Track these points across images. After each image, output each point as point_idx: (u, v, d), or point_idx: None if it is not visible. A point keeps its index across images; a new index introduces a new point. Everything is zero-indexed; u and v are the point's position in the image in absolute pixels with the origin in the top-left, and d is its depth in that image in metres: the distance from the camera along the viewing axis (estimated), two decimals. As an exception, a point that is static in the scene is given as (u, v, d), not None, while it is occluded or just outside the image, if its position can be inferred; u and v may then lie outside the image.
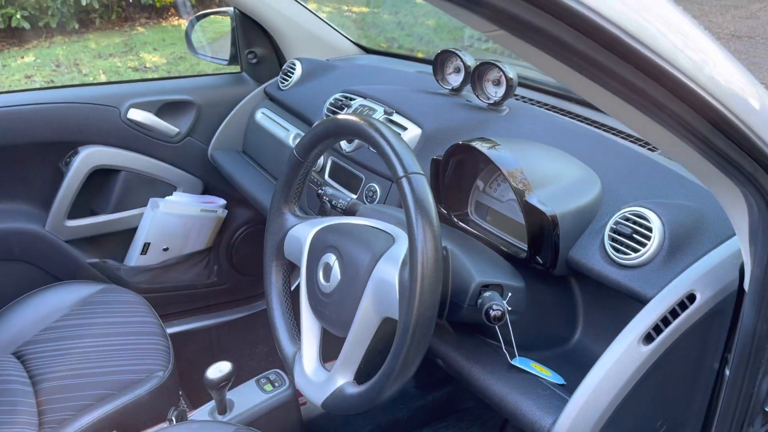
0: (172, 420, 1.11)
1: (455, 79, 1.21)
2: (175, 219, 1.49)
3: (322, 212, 0.98)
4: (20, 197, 1.42)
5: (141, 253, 1.50)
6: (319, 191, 0.97)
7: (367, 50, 1.62)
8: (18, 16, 5.00)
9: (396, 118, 1.10)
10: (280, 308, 0.91)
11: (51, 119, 1.37)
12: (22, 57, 4.99)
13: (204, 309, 1.67)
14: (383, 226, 0.81)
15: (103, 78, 4.59)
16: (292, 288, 0.96)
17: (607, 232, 0.79)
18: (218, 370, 1.06)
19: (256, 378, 1.20)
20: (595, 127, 1.07)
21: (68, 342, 1.24)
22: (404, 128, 1.08)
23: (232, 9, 1.51)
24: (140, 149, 1.46)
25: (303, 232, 0.87)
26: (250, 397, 1.15)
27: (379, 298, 0.73)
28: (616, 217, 0.79)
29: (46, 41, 5.29)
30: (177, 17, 5.83)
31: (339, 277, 0.78)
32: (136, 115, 1.43)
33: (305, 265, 0.84)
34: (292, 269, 0.98)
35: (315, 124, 0.85)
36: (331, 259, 0.79)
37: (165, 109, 1.47)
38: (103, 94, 1.42)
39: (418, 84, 1.28)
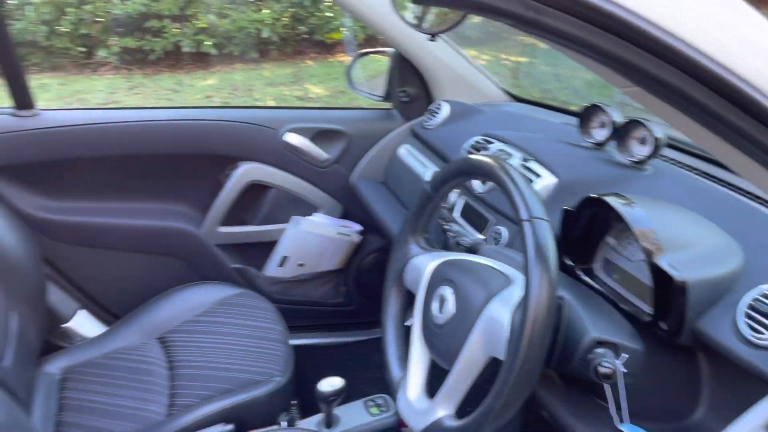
0: (282, 424, 1.18)
1: (600, 134, 1.20)
2: (313, 238, 1.59)
3: (446, 247, 1.00)
4: (184, 201, 1.60)
5: (278, 265, 1.62)
6: (446, 227, 1.00)
7: (516, 98, 1.64)
8: (207, 43, 5.60)
9: (532, 165, 1.11)
10: (393, 333, 0.95)
11: (219, 135, 1.53)
12: (206, 79, 5.56)
13: (326, 326, 1.75)
14: (502, 268, 0.82)
15: (270, 103, 4.99)
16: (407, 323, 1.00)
17: (743, 307, 0.74)
18: (330, 384, 1.11)
19: (364, 399, 1.24)
20: (744, 195, 1.01)
21: (204, 336, 1.36)
22: (539, 176, 1.08)
23: (392, 49, 1.61)
24: (291, 170, 1.58)
25: (424, 263, 0.90)
26: (356, 416, 1.19)
27: (488, 336, 0.74)
28: (756, 293, 0.74)
29: (229, 67, 5.85)
30: (344, 54, 6.20)
31: (453, 310, 0.80)
32: (293, 138, 1.56)
33: (422, 294, 0.87)
34: (410, 299, 1.01)
35: (448, 164, 0.89)
36: (448, 291, 0.81)
37: (319, 136, 1.59)
38: (265, 117, 1.57)
39: (561, 135, 1.28)
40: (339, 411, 1.20)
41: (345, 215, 1.67)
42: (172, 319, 1.42)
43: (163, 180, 1.57)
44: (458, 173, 0.86)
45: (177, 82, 5.52)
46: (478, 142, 1.25)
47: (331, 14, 5.97)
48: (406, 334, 0.95)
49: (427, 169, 1.40)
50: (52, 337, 1.49)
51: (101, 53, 5.56)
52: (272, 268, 1.63)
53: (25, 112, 1.43)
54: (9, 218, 1.26)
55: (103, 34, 5.61)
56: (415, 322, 0.88)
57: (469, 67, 1.58)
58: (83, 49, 5.63)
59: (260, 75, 5.73)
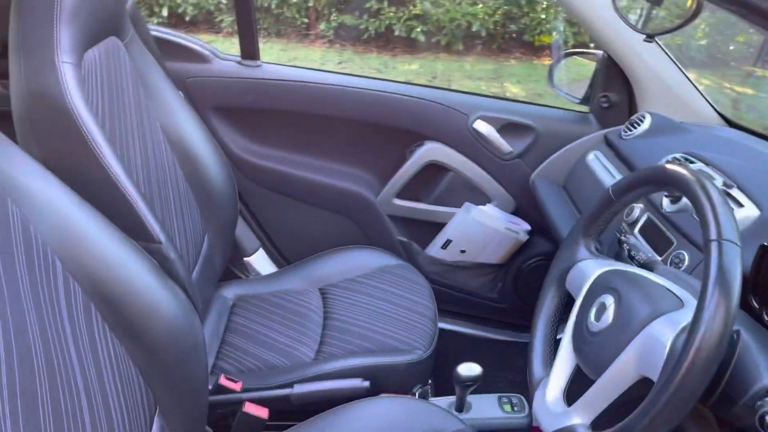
0: (415, 395, 1.20)
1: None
2: (480, 227, 1.59)
3: (618, 258, 0.95)
4: (368, 167, 1.68)
5: (441, 247, 1.64)
6: (622, 238, 0.95)
7: (731, 123, 1.49)
8: (418, 30, 5.76)
9: (735, 192, 1.01)
10: (543, 332, 0.93)
11: (412, 111, 1.58)
12: (410, 64, 5.73)
13: (475, 318, 1.74)
14: (676, 290, 0.76)
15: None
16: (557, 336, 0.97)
17: None
18: (469, 369, 1.11)
19: (499, 395, 1.23)
20: None
21: (360, 296, 1.43)
22: (741, 205, 0.98)
23: (600, 52, 1.54)
24: (473, 157, 1.59)
25: (591, 268, 0.86)
26: (488, 408, 1.18)
27: (644, 355, 0.70)
28: None
29: (433, 55, 5.98)
30: (549, 58, 6.04)
31: (610, 320, 0.76)
32: (481, 126, 1.56)
33: (581, 298, 0.84)
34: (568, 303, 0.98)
35: (637, 170, 0.84)
36: (609, 300, 0.78)
37: (506, 128, 1.58)
38: (458, 101, 1.59)
39: None
40: (472, 399, 1.20)
41: (516, 212, 1.65)
42: (335, 274, 1.51)
43: (354, 144, 1.66)
44: (647, 181, 0.81)
45: (382, 63, 5.76)
46: (676, 159, 1.16)
47: (544, 16, 5.84)
48: (554, 334, 0.93)
49: (614, 179, 1.33)
50: (233, 266, 1.65)
51: (321, 26, 5.97)
52: (435, 249, 1.66)
53: (250, 62, 1.60)
54: (219, 153, 1.42)
55: (326, 8, 6.01)
56: (568, 326, 0.85)
57: (683, 81, 1.47)
58: (306, 21, 6.07)
59: (461, 67, 5.79)
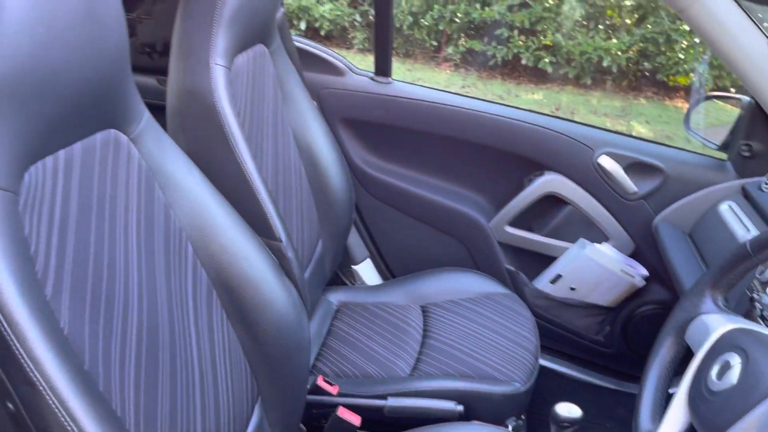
0: (509, 427, 1.18)
1: None
2: (594, 266, 1.54)
3: (747, 316, 0.89)
4: (482, 191, 1.68)
5: (550, 281, 1.60)
6: (754, 296, 0.89)
7: None
8: (546, 60, 5.68)
9: None
10: (654, 383, 0.88)
11: (534, 139, 1.57)
12: (534, 94, 5.66)
13: (577, 359, 1.68)
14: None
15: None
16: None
17: None
18: (569, 410, 1.07)
19: (597, 441, 1.17)
20: None
21: (462, 319, 1.42)
22: None
23: (746, 98, 1.45)
24: (594, 193, 1.55)
25: (716, 323, 0.81)
26: (584, 454, 1.13)
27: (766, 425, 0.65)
28: None
29: (558, 87, 5.87)
30: (683, 100, 5.75)
31: (734, 381, 0.71)
32: (606, 162, 1.51)
33: (703, 354, 0.79)
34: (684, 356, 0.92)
35: None
36: (735, 360, 0.73)
37: (633, 167, 1.52)
38: (582, 133, 1.56)
39: None
40: (567, 441, 1.16)
41: (635, 255, 1.58)
42: (438, 293, 1.51)
43: (472, 167, 1.67)
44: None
45: (506, 90, 5.73)
46: (825, 220, 1.07)
47: (683, 56, 5.57)
48: (666, 387, 0.88)
49: (748, 233, 1.25)
50: (340, 272, 1.70)
51: (449, 50, 6.04)
52: (543, 282, 1.62)
53: (382, 78, 1.65)
54: (342, 163, 1.47)
55: (455, 33, 6.08)
56: (684, 380, 0.80)
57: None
58: (435, 43, 6.16)
59: (587, 101, 5.64)
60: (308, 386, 1.21)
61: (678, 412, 0.80)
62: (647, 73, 5.82)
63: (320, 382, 1.23)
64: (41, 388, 0.61)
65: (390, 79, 1.66)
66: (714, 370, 0.75)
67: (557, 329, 1.64)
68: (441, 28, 6.02)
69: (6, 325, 0.60)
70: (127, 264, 0.81)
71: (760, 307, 0.87)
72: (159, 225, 0.89)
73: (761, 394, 0.67)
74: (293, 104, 1.40)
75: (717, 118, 1.76)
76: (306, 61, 1.59)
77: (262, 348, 1.00)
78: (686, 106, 5.68)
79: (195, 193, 0.94)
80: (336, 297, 1.54)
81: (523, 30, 5.82)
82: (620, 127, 4.97)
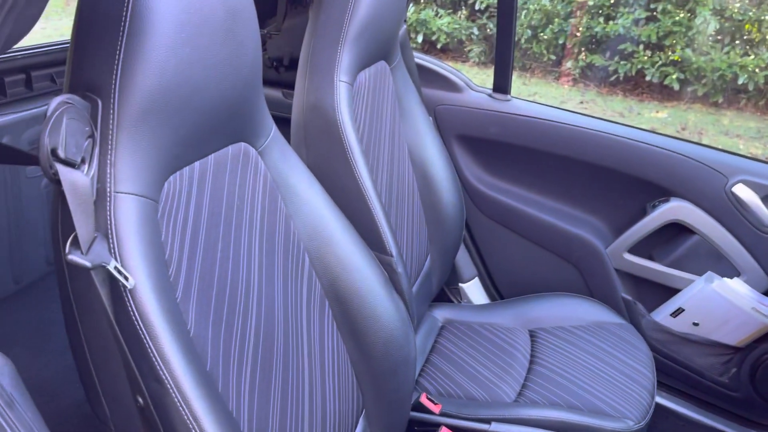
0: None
1: None
2: (722, 301, 1.43)
3: None
4: (600, 215, 1.61)
5: (671, 315, 1.50)
6: None
7: None
8: (674, 77, 5.38)
9: None
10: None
11: (659, 162, 1.48)
12: (658, 112, 5.38)
13: (697, 400, 1.56)
14: None
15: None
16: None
17: None
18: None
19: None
20: None
21: (572, 347, 1.37)
22: None
23: None
24: (726, 223, 1.44)
25: None
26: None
27: None
28: None
29: (685, 105, 5.55)
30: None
31: None
32: (743, 192, 1.40)
33: None
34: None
35: None
36: None
37: (772, 197, 1.40)
38: (713, 158, 1.45)
39: None
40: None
41: (769, 293, 1.45)
42: (548, 318, 1.46)
43: (590, 190, 1.60)
44: None
45: (627, 107, 5.50)
46: None
47: (835, 74, 5.10)
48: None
49: None
50: (447, 289, 1.69)
51: (568, 64, 5.88)
52: (663, 315, 1.53)
53: (501, 95, 1.63)
54: (455, 180, 1.47)
55: (575, 47, 5.91)
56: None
57: None
58: (553, 57, 6.03)
59: (717, 121, 5.28)
60: (411, 402, 1.21)
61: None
62: (789, 93, 5.37)
63: (423, 399, 1.23)
64: (168, 386, 0.65)
65: (508, 96, 1.63)
66: None
67: (676, 366, 1.54)
68: (561, 42, 5.87)
69: (142, 325, 0.65)
70: (249, 271, 0.85)
71: None
72: (280, 235, 0.92)
73: None
74: (410, 120, 1.41)
75: None
76: (424, 76, 1.60)
77: (369, 361, 1.01)
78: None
79: (314, 206, 0.97)
80: (441, 314, 1.53)
81: (648, 45, 5.56)
82: (755, 150, 4.61)
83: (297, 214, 0.96)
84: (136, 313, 0.65)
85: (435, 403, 1.24)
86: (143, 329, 0.65)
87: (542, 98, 5.43)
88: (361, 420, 1.03)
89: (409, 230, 1.37)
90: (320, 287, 0.98)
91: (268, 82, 1.35)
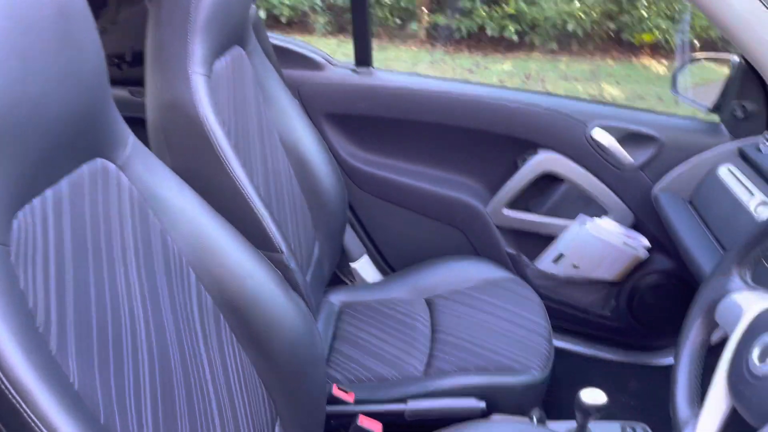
0: (533, 418, 1.16)
1: None
2: (596, 242, 1.52)
3: (777, 290, 0.87)
4: (477, 176, 1.64)
5: (553, 261, 1.58)
6: (779, 267, 0.87)
7: None
8: (511, 29, 5.65)
9: None
10: (688, 367, 0.86)
11: (525, 119, 1.53)
12: (502, 64, 5.63)
13: (585, 335, 1.67)
14: None
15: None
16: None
17: None
18: (593, 396, 1.05)
19: (622, 423, 1.16)
20: None
21: (469, 309, 1.39)
22: None
23: (734, 57, 1.43)
24: (590, 167, 1.52)
25: (747, 301, 0.79)
26: (611, 437, 1.12)
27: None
28: None
29: (525, 55, 5.84)
30: (650, 58, 5.77)
31: (780, 363, 0.69)
32: (600, 136, 1.49)
33: (738, 335, 0.77)
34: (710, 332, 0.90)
35: None
36: (778, 341, 0.71)
37: (627, 138, 1.50)
38: (573, 108, 1.52)
39: None
40: (592, 426, 1.14)
41: (635, 226, 1.56)
42: (442, 284, 1.48)
43: (463, 153, 1.63)
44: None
45: (474, 63, 5.69)
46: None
47: (646, 14, 5.58)
48: (701, 370, 0.86)
49: (752, 198, 1.23)
50: (338, 271, 1.66)
51: (413, 26, 5.96)
52: (546, 263, 1.60)
53: (364, 69, 1.60)
54: (331, 160, 1.42)
55: (418, 8, 6.00)
56: (722, 363, 0.78)
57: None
58: (399, 21, 6.08)
59: (555, 67, 5.62)
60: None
61: (718, 396, 0.78)
62: (612, 34, 5.82)
63: (335, 391, 1.20)
64: None
65: (371, 68, 1.60)
66: (755, 353, 0.73)
67: (564, 308, 1.63)
68: (403, 5, 5.94)
69: (12, 390, 0.55)
70: (131, 301, 0.76)
71: (787, 279, 0.85)
72: (158, 254, 0.83)
73: (813, 377, 0.65)
74: (275, 105, 1.34)
75: (703, 79, 1.74)
76: (282, 57, 1.53)
77: (277, 368, 0.96)
78: (653, 63, 5.72)
79: (191, 215, 0.89)
80: (337, 297, 1.50)
81: (486, 0, 5.77)
82: (592, 90, 4.96)
83: (173, 226, 0.87)
84: (4, 380, 0.55)
85: (347, 392, 1.21)
86: (16, 397, 0.55)
87: (394, 63, 5.48)
88: (276, 428, 0.98)
89: (293, 221, 1.31)
90: (211, 301, 0.90)
91: (111, 82, 1.22)
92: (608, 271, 1.57)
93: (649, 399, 1.54)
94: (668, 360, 1.64)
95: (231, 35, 1.18)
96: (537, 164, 1.54)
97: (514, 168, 1.58)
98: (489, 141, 1.58)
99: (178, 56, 1.03)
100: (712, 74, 1.61)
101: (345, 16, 6.16)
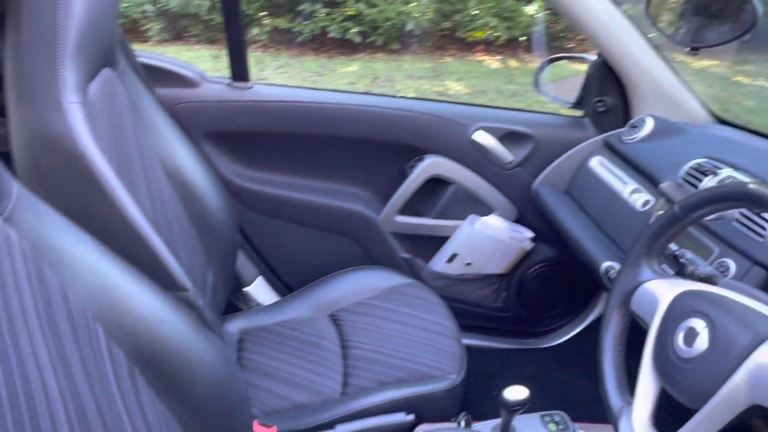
0: (460, 423, 1.17)
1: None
2: (486, 239, 1.57)
3: (681, 275, 0.95)
4: (367, 186, 1.63)
5: (447, 261, 1.61)
6: (677, 253, 0.95)
7: (722, 121, 1.53)
8: (353, 30, 5.72)
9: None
10: (612, 357, 0.91)
11: (411, 125, 1.54)
12: (348, 66, 5.68)
13: (480, 329, 1.73)
14: (763, 309, 0.76)
15: (411, 95, 5.02)
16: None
17: None
18: (516, 393, 1.08)
19: (540, 414, 1.21)
20: None
21: (376, 320, 1.38)
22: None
23: (591, 56, 1.55)
24: (474, 168, 1.57)
25: (661, 289, 0.85)
26: (533, 429, 1.16)
27: (756, 383, 0.69)
28: None
29: (370, 56, 5.95)
30: (483, 53, 6.12)
31: (705, 346, 0.75)
32: (481, 137, 1.54)
33: (658, 322, 0.83)
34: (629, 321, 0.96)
35: (710, 186, 0.84)
36: (699, 325, 0.76)
37: (506, 137, 1.57)
38: (455, 112, 1.57)
39: None
40: (514, 421, 1.18)
41: (518, 220, 1.64)
42: (343, 298, 1.45)
43: (351, 163, 1.61)
44: (721, 199, 0.80)
45: (321, 65, 5.69)
46: (701, 165, 1.17)
47: (477, 12, 5.92)
48: (624, 359, 0.91)
49: (626, 186, 1.34)
50: (232, 298, 1.57)
51: (254, 30, 5.82)
52: (440, 264, 1.63)
53: (241, 83, 1.51)
54: (216, 182, 1.33)
55: (258, 12, 5.88)
56: (647, 350, 0.84)
57: (675, 81, 1.50)
58: (239, 26, 5.89)
59: (399, 67, 5.78)
60: None
61: (647, 381, 0.83)
62: (447, 32, 6.11)
63: (256, 427, 1.12)
64: None
65: (249, 83, 1.53)
66: (679, 338, 0.79)
67: (459, 306, 1.67)
68: (243, 9, 5.79)
69: None
70: (42, 375, 0.66)
71: (685, 262, 0.93)
72: (61, 313, 0.73)
73: (738, 356, 0.71)
74: (152, 128, 1.23)
75: (559, 76, 1.87)
76: (153, 76, 1.41)
77: (201, 415, 0.88)
78: (486, 58, 6.09)
79: (90, 262, 0.79)
80: (235, 326, 1.41)
81: (326, 3, 5.79)
82: (438, 87, 5.17)
83: (73, 279, 0.76)
84: None
85: (269, 426, 1.14)
86: None
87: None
88: None
89: (182, 251, 1.21)
90: (124, 357, 0.80)
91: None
92: (498, 265, 1.64)
93: (544, 381, 1.63)
94: (556, 341, 1.75)
95: (101, 57, 1.06)
96: (424, 169, 1.56)
97: (403, 175, 1.59)
98: (376, 149, 1.58)
99: (48, 84, 0.90)
100: (570, 72, 1.73)
101: (180, 23, 5.88)
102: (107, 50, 1.09)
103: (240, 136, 1.53)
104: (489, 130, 1.55)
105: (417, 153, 1.58)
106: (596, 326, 1.72)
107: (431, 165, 1.56)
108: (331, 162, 1.60)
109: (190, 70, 1.51)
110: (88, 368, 0.73)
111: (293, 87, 1.57)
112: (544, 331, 1.74)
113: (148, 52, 1.49)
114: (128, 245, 0.95)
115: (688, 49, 0.98)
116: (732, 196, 0.79)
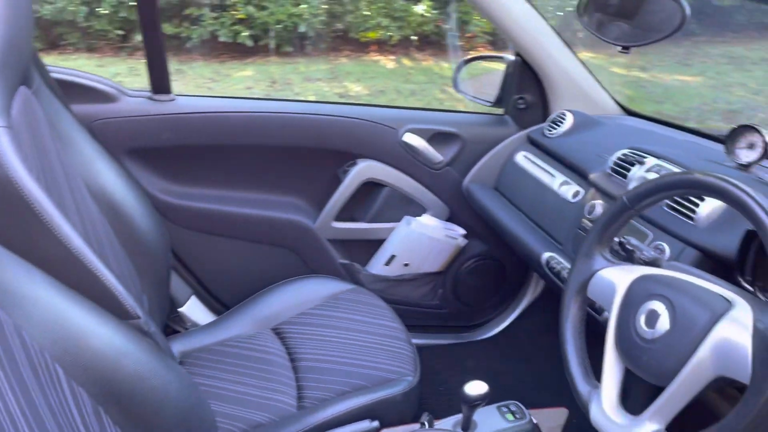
0: (425, 424, 1.18)
1: (747, 155, 1.20)
2: (422, 238, 1.60)
3: (629, 260, 1.00)
4: (301, 194, 1.60)
5: (385, 264, 1.62)
6: (623, 239, 1.00)
7: (629, 112, 1.64)
8: (244, 34, 5.59)
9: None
10: (574, 345, 0.95)
11: (341, 131, 1.54)
12: (243, 71, 5.55)
13: (420, 328, 1.75)
14: (714, 288, 0.82)
15: (311, 98, 4.99)
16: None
17: None
18: (476, 388, 1.11)
19: (497, 405, 1.24)
20: None
21: (322, 329, 1.36)
22: (703, 199, 1.08)
23: (510, 56, 1.61)
24: (406, 170, 1.59)
25: (615, 276, 0.90)
26: (493, 422, 1.19)
27: (719, 357, 0.74)
28: None
29: (263, 59, 5.83)
30: (377, 53, 6.18)
31: (667, 326, 0.80)
32: (411, 139, 1.56)
33: (618, 307, 0.88)
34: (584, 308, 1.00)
35: (659, 176, 0.89)
36: (660, 307, 0.82)
37: (435, 138, 1.60)
38: (385, 116, 1.58)
39: (701, 153, 1.29)
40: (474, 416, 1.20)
41: (450, 218, 1.67)
42: (285, 310, 1.42)
43: (283, 172, 1.57)
44: (667, 188, 0.86)
45: (214, 71, 5.52)
46: (626, 156, 1.25)
47: (368, 13, 5.97)
48: (585, 346, 0.96)
49: (554, 179, 1.40)
50: (168, 321, 1.49)
51: (138, 38, 5.54)
52: (378, 266, 1.63)
53: (163, 96, 1.44)
54: (145, 201, 1.26)
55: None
56: (609, 335, 0.88)
57: (588, 77, 1.59)
58: (121, 32, 5.61)
59: (295, 69, 5.72)
60: None
61: (613, 366, 0.88)
62: (340, 33, 6.12)
63: (217, 455, 1.08)
64: None
65: (172, 95, 1.45)
66: (641, 320, 0.84)
67: (399, 306, 1.68)
68: (123, 15, 5.48)
69: None
70: (14, 423, 0.60)
71: (631, 248, 0.99)
72: (21, 358, 0.67)
73: (700, 333, 0.77)
74: (73, 148, 1.15)
75: (470, 74, 1.92)
76: (68, 91, 1.30)
77: None
78: (381, 58, 6.16)
79: (44, 301, 0.73)
80: (174, 349, 1.34)
81: (213, 6, 5.62)
82: (337, 89, 5.17)
83: (28, 320, 0.70)
84: None
85: (230, 452, 1.10)
86: None
87: (126, 78, 5.05)
88: None
89: (116, 275, 1.13)
90: (87, 397, 0.75)
91: None
92: (434, 263, 1.67)
93: (488, 372, 1.68)
94: (492, 331, 1.81)
95: (17, 75, 0.97)
96: (358, 174, 1.56)
97: (336, 180, 1.58)
98: (307, 156, 1.56)
99: None
100: (487, 71, 1.78)
101: (54, 31, 5.50)
102: (23, 66, 1.00)
103: (165, 151, 1.46)
104: (418, 132, 1.57)
105: (349, 158, 1.57)
106: (528, 314, 1.79)
107: (364, 169, 1.56)
108: (261, 172, 1.56)
109: (107, 84, 1.41)
110: (54, 412, 0.68)
111: (218, 97, 1.51)
112: (480, 323, 1.79)
113: (60, 67, 1.38)
114: (75, 275, 0.88)
115: (620, 48, 1.05)
116: (681, 184, 0.85)
